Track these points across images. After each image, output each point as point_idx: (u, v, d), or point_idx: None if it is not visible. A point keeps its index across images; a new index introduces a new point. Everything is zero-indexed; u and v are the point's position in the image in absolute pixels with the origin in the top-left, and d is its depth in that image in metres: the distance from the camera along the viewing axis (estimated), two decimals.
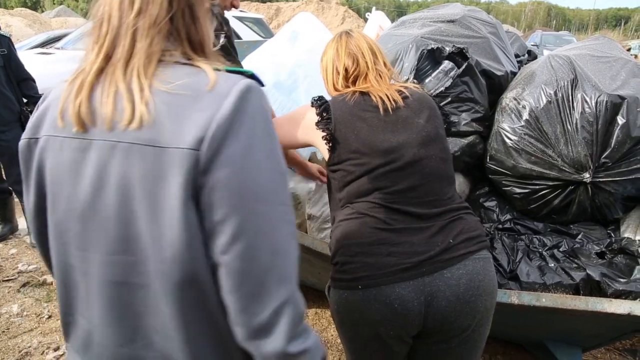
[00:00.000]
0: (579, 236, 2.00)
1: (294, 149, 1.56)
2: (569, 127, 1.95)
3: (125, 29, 0.71)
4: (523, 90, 2.12)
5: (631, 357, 2.40)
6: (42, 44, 6.80)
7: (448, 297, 1.19)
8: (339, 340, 2.44)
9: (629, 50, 19.84)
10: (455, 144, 2.13)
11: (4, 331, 2.55)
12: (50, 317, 2.70)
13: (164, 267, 0.69)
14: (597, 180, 1.91)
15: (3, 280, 3.06)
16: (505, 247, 1.93)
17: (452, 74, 2.07)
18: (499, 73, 2.30)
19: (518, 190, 2.11)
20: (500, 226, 2.15)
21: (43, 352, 2.41)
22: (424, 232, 1.23)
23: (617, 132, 1.88)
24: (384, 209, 1.25)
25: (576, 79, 2.01)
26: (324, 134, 1.31)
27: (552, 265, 1.84)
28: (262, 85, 0.75)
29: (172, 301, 0.70)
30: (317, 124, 1.33)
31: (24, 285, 3.02)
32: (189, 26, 0.75)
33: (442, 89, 2.07)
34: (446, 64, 2.11)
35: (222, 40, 1.65)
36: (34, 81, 3.45)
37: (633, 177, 1.89)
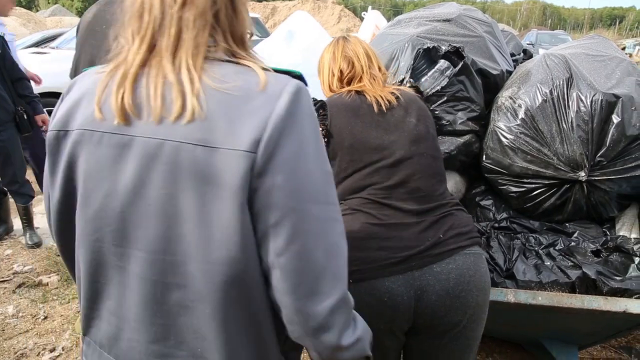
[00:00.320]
0: (575, 234, 2.01)
1: None
2: (564, 125, 1.96)
3: (169, 19, 0.69)
4: (519, 89, 2.13)
5: (627, 354, 2.41)
6: (37, 44, 6.76)
7: (438, 292, 1.21)
8: None
9: (623, 49, 19.92)
10: (451, 143, 2.14)
11: None
12: (46, 318, 2.69)
13: (211, 268, 0.68)
14: (593, 178, 1.92)
15: None
16: (501, 245, 1.94)
17: (448, 73, 2.07)
18: (494, 72, 2.30)
19: (514, 189, 2.11)
20: (496, 225, 2.16)
21: (39, 353, 2.40)
22: (414, 227, 1.26)
23: (612, 130, 1.89)
24: (375, 205, 1.29)
25: (571, 77, 2.02)
26: (320, 129, 1.34)
27: (548, 263, 1.84)
28: (307, 85, 0.75)
29: (215, 301, 0.69)
30: None
31: (19, 286, 3.01)
32: (232, 20, 0.74)
33: (438, 88, 2.07)
34: (442, 63, 2.11)
35: None
36: (28, 81, 3.44)
37: (628, 175, 1.90)
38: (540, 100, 2.02)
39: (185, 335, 0.74)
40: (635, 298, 1.62)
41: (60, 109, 0.77)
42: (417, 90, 2.02)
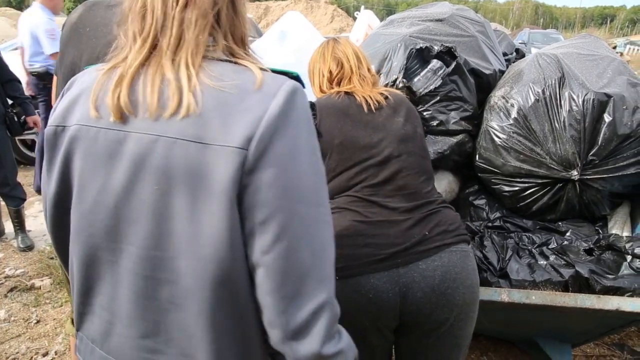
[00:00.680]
0: (568, 233, 2.02)
1: None
2: (556, 125, 1.96)
3: (171, 20, 0.70)
4: (511, 88, 2.13)
5: (619, 351, 2.43)
6: None
7: (423, 289, 1.22)
8: None
9: (614, 48, 20.08)
10: (444, 143, 2.14)
11: None
12: (38, 322, 2.66)
13: (199, 265, 0.68)
14: (585, 177, 1.93)
15: None
16: (495, 245, 1.94)
17: (440, 72, 2.07)
18: (487, 72, 2.31)
19: (507, 189, 2.12)
20: (489, 224, 2.16)
21: (31, 357, 2.38)
22: (400, 224, 1.27)
23: (604, 129, 1.90)
24: (362, 202, 1.30)
25: (563, 77, 2.03)
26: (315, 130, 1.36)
27: (542, 262, 1.85)
28: (304, 86, 0.76)
29: (202, 299, 0.70)
30: None
31: (11, 290, 2.98)
32: (232, 20, 0.75)
33: (432, 88, 2.08)
34: (435, 63, 2.11)
35: None
36: (19, 82, 3.41)
37: (620, 174, 1.91)
38: (532, 100, 2.02)
39: (175, 332, 0.74)
40: (628, 296, 1.63)
41: (60, 105, 0.78)
42: (410, 90, 2.02)
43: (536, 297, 1.59)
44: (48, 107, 3.98)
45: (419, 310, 1.23)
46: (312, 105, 1.38)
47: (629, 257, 1.78)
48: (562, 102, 1.98)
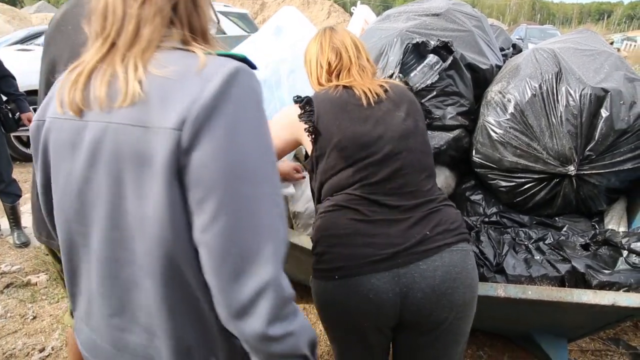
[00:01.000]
0: (564, 228, 2.02)
1: (286, 153, 1.54)
2: (553, 120, 1.96)
3: (129, 18, 0.73)
4: (508, 83, 2.13)
5: (615, 345, 2.44)
6: (22, 41, 6.65)
7: (423, 289, 1.20)
8: None
9: (611, 43, 20.10)
10: (441, 138, 2.14)
11: None
12: (34, 318, 2.65)
13: (149, 245, 0.71)
14: (582, 172, 1.93)
15: None
16: (491, 240, 1.94)
17: (437, 67, 2.07)
18: (484, 66, 2.30)
19: (504, 184, 2.12)
20: (486, 219, 2.16)
21: (28, 353, 2.37)
22: (401, 223, 1.24)
23: (601, 124, 1.90)
24: (362, 201, 1.27)
25: (560, 72, 2.02)
26: (306, 126, 1.32)
27: (538, 257, 1.85)
28: (254, 68, 0.76)
29: (155, 279, 0.72)
30: (300, 116, 1.34)
31: (7, 286, 2.97)
32: (191, 14, 0.78)
33: (428, 83, 2.07)
34: (431, 58, 2.11)
35: None
36: (13, 78, 3.37)
37: (616, 169, 1.91)
38: (529, 95, 2.02)
39: (137, 311, 0.77)
40: (624, 291, 1.63)
41: (42, 103, 0.85)
42: (406, 85, 2.01)
43: (532, 292, 1.59)
44: None
45: (419, 310, 1.22)
46: (310, 101, 1.35)
47: (625, 253, 1.78)
48: (559, 97, 1.97)
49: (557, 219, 2.09)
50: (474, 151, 2.21)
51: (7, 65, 3.38)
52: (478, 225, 2.09)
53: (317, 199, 1.40)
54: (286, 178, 1.86)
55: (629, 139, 1.90)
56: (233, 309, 0.69)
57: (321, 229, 1.29)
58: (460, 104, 2.15)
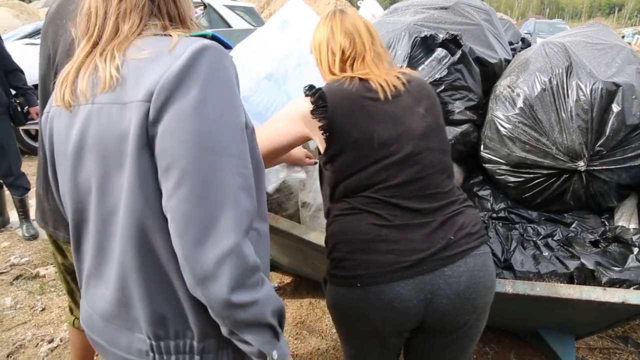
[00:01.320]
0: (573, 225, 2.00)
1: (292, 148, 1.45)
2: (563, 115, 1.94)
3: (109, 16, 0.80)
4: (517, 77, 2.10)
5: (623, 344, 2.42)
6: (30, 35, 6.68)
7: (449, 295, 1.17)
8: (333, 330, 2.44)
9: (622, 37, 19.83)
10: (449, 133, 2.11)
11: None
12: (43, 309, 2.68)
13: (126, 214, 0.76)
14: (592, 168, 1.90)
15: None
16: (499, 236, 1.93)
17: (445, 61, 2.05)
18: (492, 60, 2.28)
19: (512, 179, 2.10)
20: (494, 215, 2.14)
21: (37, 344, 2.40)
22: (423, 228, 1.19)
23: (612, 119, 1.87)
24: (382, 204, 1.21)
25: (571, 66, 1.99)
26: (321, 123, 1.23)
27: (547, 254, 1.83)
28: (229, 47, 0.84)
29: (129, 248, 0.77)
30: (313, 112, 1.24)
31: (16, 278, 3.00)
32: (169, 4, 0.84)
33: (436, 77, 2.05)
34: (439, 52, 2.09)
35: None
36: (22, 72, 3.39)
37: (628, 165, 1.89)
38: (539, 89, 2.00)
39: (121, 282, 0.82)
40: (634, 289, 1.61)
41: (51, 96, 0.91)
42: None
43: (541, 288, 1.57)
44: None
45: (444, 316, 1.19)
46: (323, 96, 1.24)
47: (636, 250, 1.76)
48: (570, 91, 1.94)
49: (566, 215, 2.07)
50: (482, 146, 2.19)
51: (16, 59, 3.39)
52: (486, 221, 2.07)
53: (330, 198, 1.31)
54: (297, 163, 1.83)
55: None
56: (197, 275, 0.72)
57: (339, 233, 1.23)
58: (469, 99, 2.13)
